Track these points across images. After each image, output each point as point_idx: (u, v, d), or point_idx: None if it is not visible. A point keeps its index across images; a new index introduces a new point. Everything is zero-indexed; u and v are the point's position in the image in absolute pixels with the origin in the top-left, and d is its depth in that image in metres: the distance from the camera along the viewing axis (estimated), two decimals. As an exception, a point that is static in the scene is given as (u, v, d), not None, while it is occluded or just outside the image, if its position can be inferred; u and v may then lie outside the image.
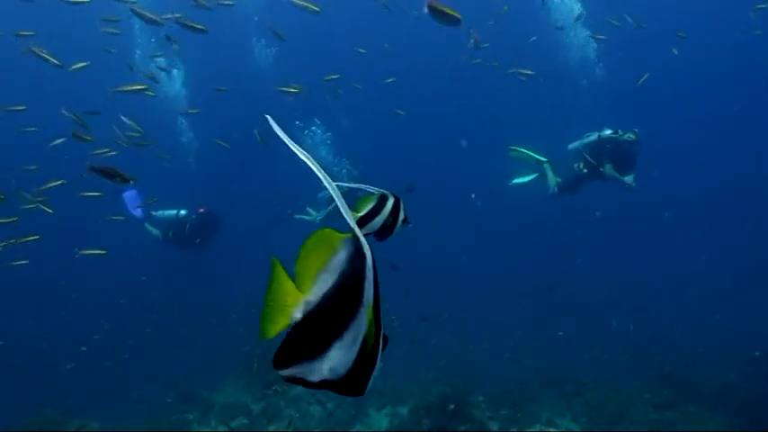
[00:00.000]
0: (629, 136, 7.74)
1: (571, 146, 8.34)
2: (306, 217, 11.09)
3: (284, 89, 6.71)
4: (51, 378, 10.54)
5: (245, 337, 10.90)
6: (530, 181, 8.71)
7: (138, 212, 10.45)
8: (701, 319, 12.62)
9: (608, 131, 7.91)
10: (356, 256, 0.96)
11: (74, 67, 6.41)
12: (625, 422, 8.46)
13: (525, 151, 8.44)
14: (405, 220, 2.54)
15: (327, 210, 10.56)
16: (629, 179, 7.88)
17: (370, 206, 2.46)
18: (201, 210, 10.22)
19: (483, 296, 12.77)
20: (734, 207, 20.40)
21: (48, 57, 5.82)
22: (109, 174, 4.96)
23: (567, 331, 10.85)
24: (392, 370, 10.07)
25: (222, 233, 10.56)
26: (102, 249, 7.00)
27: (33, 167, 8.04)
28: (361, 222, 2.47)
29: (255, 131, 8.13)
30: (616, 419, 8.49)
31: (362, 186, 2.34)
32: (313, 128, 14.12)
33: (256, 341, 10.48)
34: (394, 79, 9.96)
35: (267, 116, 1.05)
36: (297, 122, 13.55)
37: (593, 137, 7.99)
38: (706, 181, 21.13)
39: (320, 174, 0.98)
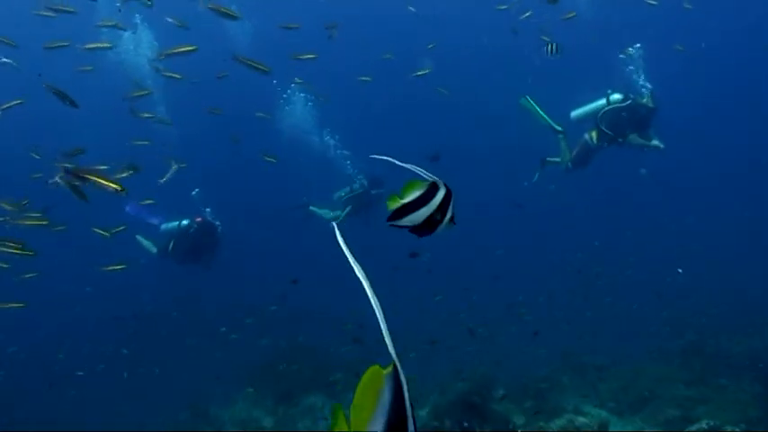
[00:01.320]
0: (646, 101, 7.24)
1: (575, 114, 7.73)
2: (320, 211, 10.72)
3: (300, 56, 6.15)
4: (57, 392, 10.19)
5: (252, 350, 10.55)
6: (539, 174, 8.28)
7: (154, 220, 10.05)
8: (714, 290, 12.20)
9: (617, 96, 7.40)
10: (397, 395, 0.96)
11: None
12: (655, 402, 8.10)
13: (542, 114, 7.89)
14: (452, 219, 2.13)
15: (344, 212, 10.21)
16: (656, 142, 7.39)
17: (416, 194, 2.06)
18: (199, 219, 9.76)
19: (491, 283, 12.31)
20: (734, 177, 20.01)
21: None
22: (100, 180, 3.95)
23: (583, 315, 10.48)
24: (405, 369, 9.70)
25: (223, 247, 10.03)
26: (122, 264, 6.84)
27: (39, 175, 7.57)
28: (403, 211, 2.08)
29: (237, 140, 7.61)
30: (646, 400, 8.14)
31: (410, 167, 1.91)
32: (289, 91, 13.73)
33: (264, 353, 10.15)
34: (390, 55, 9.47)
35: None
36: (274, 81, 13.13)
37: (602, 103, 7.47)
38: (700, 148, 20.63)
39: (356, 267, 1.02)
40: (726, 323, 10.11)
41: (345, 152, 11.94)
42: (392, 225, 2.09)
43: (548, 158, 8.38)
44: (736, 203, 17.60)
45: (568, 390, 8.56)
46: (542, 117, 7.93)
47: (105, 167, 4.38)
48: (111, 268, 6.90)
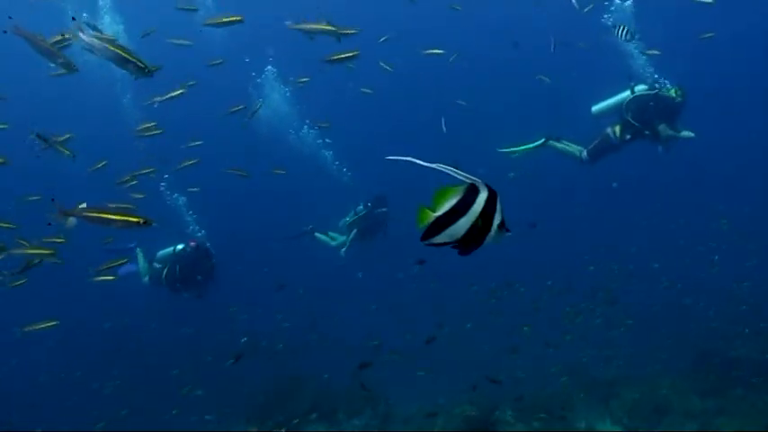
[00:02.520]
0: (674, 93, 6.91)
1: (596, 108, 7.34)
2: (325, 238, 10.41)
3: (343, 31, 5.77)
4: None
5: (248, 378, 10.19)
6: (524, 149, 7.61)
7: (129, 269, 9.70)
8: (723, 294, 11.79)
9: (642, 86, 7.06)
10: None
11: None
12: (671, 416, 7.78)
13: (520, 149, 7.46)
14: (502, 226, 1.76)
15: (350, 237, 9.90)
16: (686, 133, 7.03)
17: (451, 202, 1.72)
18: (193, 243, 9.36)
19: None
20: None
21: None
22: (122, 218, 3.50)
23: (586, 327, 10.10)
24: (409, 391, 9.40)
25: (217, 274, 9.62)
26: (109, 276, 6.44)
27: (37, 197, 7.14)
28: (438, 226, 1.73)
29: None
30: (660, 415, 7.80)
31: (438, 167, 1.65)
32: (266, 71, 13.40)
33: (261, 382, 9.79)
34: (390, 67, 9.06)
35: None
36: (246, 60, 12.79)
37: (626, 95, 7.10)
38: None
39: None
40: (737, 329, 9.77)
41: (328, 141, 11.57)
42: (428, 244, 1.76)
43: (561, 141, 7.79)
44: (744, 201, 17.13)
45: (579, 407, 8.22)
46: (527, 150, 7.46)
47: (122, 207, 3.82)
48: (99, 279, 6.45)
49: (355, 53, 5.43)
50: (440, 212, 1.73)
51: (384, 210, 9.83)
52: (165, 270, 9.26)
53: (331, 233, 10.51)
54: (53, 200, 3.72)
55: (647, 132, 7.00)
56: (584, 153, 7.42)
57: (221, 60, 7.54)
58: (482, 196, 1.72)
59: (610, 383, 8.58)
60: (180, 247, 9.27)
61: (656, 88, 6.99)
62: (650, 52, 7.28)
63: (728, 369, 8.52)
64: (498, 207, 1.74)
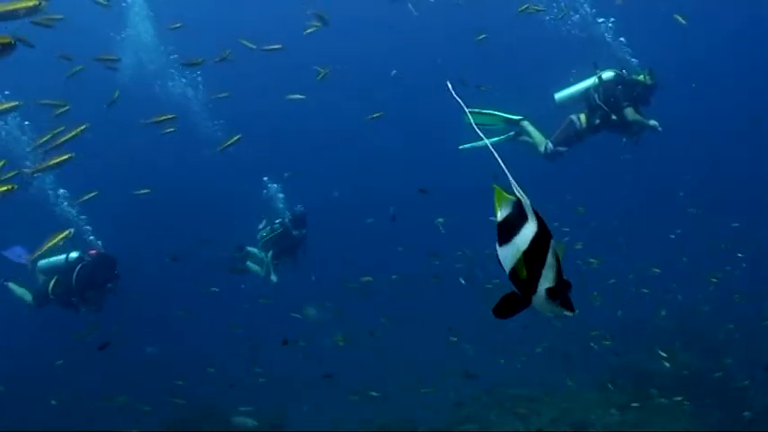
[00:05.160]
0: (644, 78, 6.61)
1: (560, 96, 6.96)
2: (256, 267, 9.57)
3: None
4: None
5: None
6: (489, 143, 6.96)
7: (23, 259, 8.41)
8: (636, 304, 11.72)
9: (610, 73, 6.74)
10: None
11: None
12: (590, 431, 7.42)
13: (492, 113, 6.97)
14: (557, 294, 1.12)
15: (268, 261, 9.22)
16: (653, 123, 6.59)
17: (503, 212, 1.21)
18: (93, 251, 8.15)
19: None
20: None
21: None
22: None
23: (496, 340, 9.69)
24: (315, 419, 8.66)
25: (120, 285, 8.41)
26: None
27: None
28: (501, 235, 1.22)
29: None
30: (580, 430, 7.43)
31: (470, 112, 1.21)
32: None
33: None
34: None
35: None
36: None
37: (592, 81, 6.76)
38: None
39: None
40: (653, 338, 9.67)
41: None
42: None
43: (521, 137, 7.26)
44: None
45: (497, 424, 7.74)
46: (497, 117, 6.95)
47: None
48: None
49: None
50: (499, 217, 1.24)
51: (303, 231, 9.29)
52: (53, 282, 7.98)
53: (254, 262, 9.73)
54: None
55: (614, 117, 6.67)
56: (550, 145, 6.98)
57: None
58: (528, 229, 1.13)
59: (528, 400, 8.22)
60: (74, 255, 8.01)
61: (623, 72, 6.76)
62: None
63: (646, 380, 8.36)
64: (549, 260, 1.11)
